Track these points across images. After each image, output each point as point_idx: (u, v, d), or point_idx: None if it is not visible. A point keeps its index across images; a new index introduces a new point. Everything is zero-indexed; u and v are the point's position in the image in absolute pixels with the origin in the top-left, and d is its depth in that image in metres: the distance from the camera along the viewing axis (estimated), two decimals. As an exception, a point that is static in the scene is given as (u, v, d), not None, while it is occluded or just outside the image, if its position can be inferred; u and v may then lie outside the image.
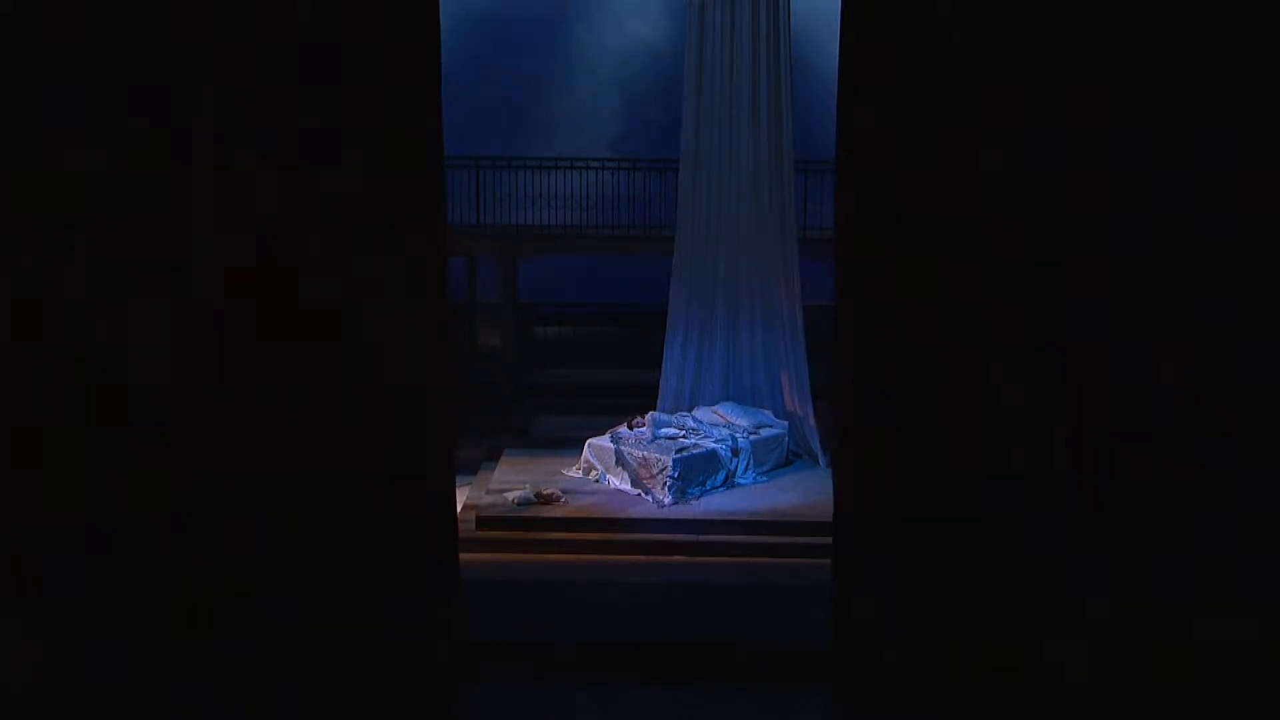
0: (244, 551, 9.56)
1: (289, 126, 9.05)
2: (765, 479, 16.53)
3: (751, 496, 16.00)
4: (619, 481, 16.12)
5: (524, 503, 15.54)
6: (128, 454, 9.28)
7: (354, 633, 9.90)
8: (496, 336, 20.49)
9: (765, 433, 16.90)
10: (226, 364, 9.16)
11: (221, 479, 9.42)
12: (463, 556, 14.73)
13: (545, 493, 15.72)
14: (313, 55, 9.09)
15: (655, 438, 16.31)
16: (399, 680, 10.09)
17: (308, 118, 9.08)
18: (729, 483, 16.21)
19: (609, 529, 15.15)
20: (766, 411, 17.29)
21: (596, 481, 16.33)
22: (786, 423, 17.24)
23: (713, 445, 16.24)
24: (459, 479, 16.68)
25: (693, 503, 15.67)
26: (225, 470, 9.40)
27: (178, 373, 9.14)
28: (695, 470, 15.87)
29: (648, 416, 16.98)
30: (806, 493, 16.09)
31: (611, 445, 16.35)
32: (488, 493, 15.97)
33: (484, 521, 15.26)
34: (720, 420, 16.97)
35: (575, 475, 16.57)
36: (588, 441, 16.70)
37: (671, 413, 17.36)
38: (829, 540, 14.90)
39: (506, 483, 16.17)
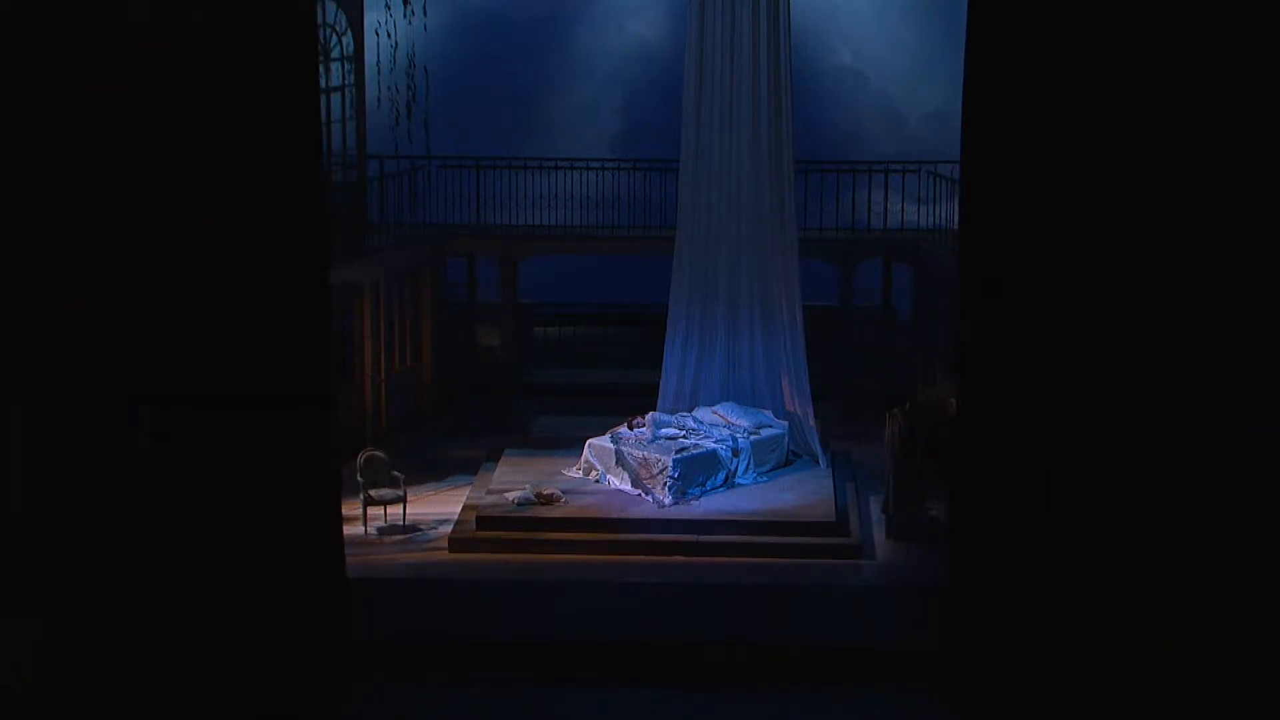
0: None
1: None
2: (765, 479, 16.51)
3: (751, 496, 15.99)
4: (619, 482, 16.11)
5: (524, 503, 15.53)
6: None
7: (239, 634, 10.02)
8: (496, 336, 20.49)
9: (765, 433, 16.88)
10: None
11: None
12: (463, 556, 14.85)
13: (545, 493, 15.71)
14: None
15: (655, 438, 16.30)
16: (283, 679, 10.17)
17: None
18: (729, 483, 16.20)
19: (609, 529, 15.14)
20: (766, 412, 17.28)
21: (596, 482, 16.32)
22: (786, 423, 17.23)
23: (713, 445, 16.23)
24: (459, 479, 16.81)
25: (693, 503, 15.66)
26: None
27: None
28: (695, 470, 15.86)
29: (648, 417, 16.97)
30: (806, 493, 16.08)
31: (612, 445, 16.34)
32: (488, 493, 15.96)
33: (484, 521, 15.25)
34: (720, 420, 16.96)
35: (575, 475, 16.55)
36: (588, 442, 16.69)
37: (671, 413, 17.35)
38: (828, 540, 15.00)
39: (506, 483, 16.16)
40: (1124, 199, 9.71)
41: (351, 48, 19.04)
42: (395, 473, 15.65)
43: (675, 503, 15.58)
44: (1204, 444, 9.91)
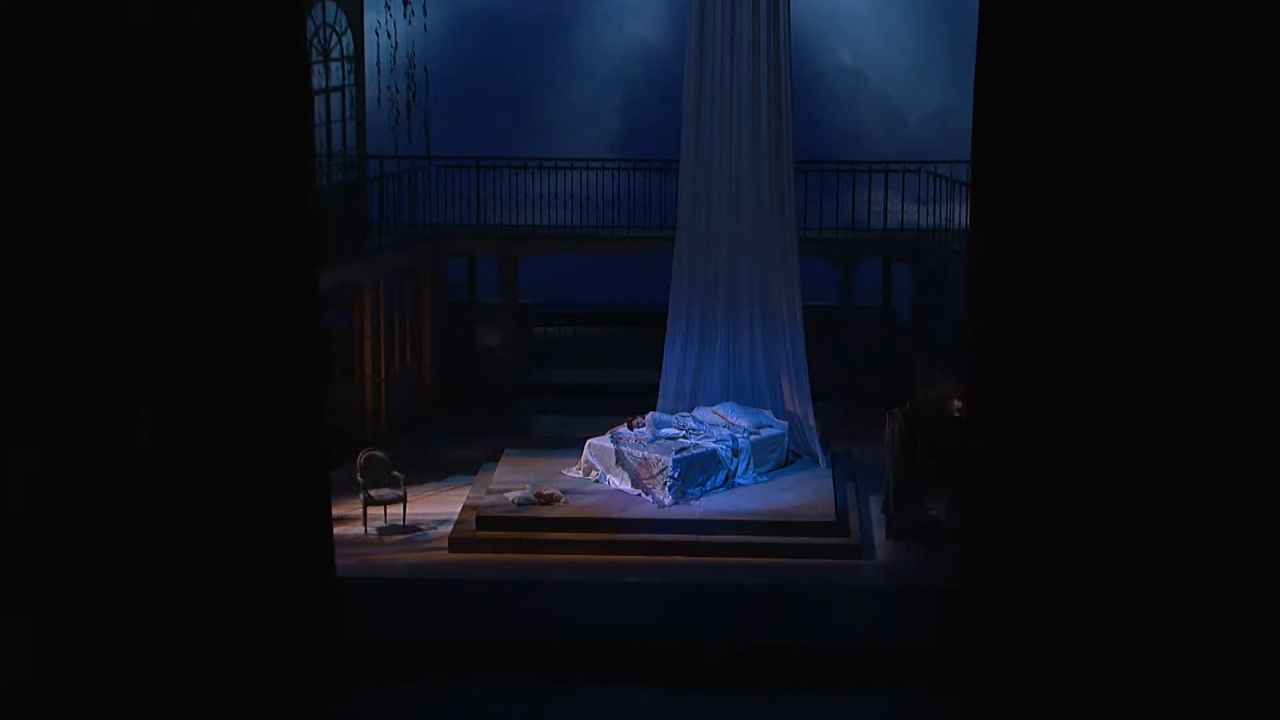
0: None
1: None
2: (765, 479, 16.51)
3: (751, 496, 15.99)
4: (619, 482, 16.11)
5: (524, 503, 15.54)
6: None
7: (232, 637, 10.04)
8: (496, 336, 20.49)
9: (765, 433, 16.88)
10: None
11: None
12: (463, 556, 14.87)
13: (545, 493, 15.71)
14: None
15: (655, 438, 16.30)
16: (276, 680, 10.18)
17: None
18: (729, 483, 16.20)
19: (609, 529, 15.14)
20: (767, 412, 17.28)
21: (596, 481, 16.32)
22: (786, 423, 17.23)
23: (713, 445, 16.23)
24: (459, 479, 16.81)
25: (693, 503, 15.66)
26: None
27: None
28: (695, 470, 15.86)
29: (648, 417, 16.97)
30: (806, 493, 16.08)
31: (612, 445, 16.34)
32: (488, 493, 15.97)
33: (484, 521, 15.25)
34: (720, 420, 16.96)
35: (575, 475, 16.56)
36: (588, 441, 16.69)
37: (671, 413, 17.35)
38: (828, 540, 15.00)
39: (506, 483, 16.16)
40: (1138, 199, 9.72)
41: (351, 48, 19.03)
42: (395, 473, 15.66)
43: (675, 503, 15.58)
44: (1204, 444, 9.91)
